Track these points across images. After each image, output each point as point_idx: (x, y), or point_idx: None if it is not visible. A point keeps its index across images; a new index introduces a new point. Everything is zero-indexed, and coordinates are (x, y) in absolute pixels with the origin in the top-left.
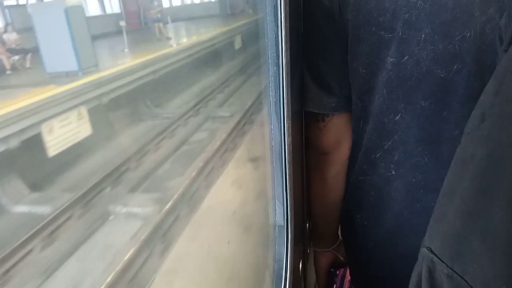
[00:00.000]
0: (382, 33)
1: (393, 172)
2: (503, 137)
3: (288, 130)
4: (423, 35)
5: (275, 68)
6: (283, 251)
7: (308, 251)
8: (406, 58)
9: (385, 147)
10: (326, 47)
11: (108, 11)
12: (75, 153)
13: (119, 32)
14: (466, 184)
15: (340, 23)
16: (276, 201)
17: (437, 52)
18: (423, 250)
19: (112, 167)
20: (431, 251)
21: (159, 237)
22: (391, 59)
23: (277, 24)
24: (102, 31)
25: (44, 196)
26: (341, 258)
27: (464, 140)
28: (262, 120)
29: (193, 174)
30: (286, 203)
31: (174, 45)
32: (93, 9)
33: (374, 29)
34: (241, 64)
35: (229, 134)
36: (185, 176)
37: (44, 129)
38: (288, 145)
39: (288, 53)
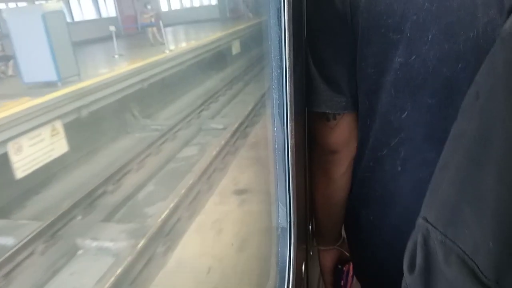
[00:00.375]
0: (391, 34)
1: (400, 169)
2: (493, 111)
3: (291, 132)
4: (430, 36)
5: (278, 71)
6: (286, 253)
7: (311, 252)
8: (413, 58)
9: (392, 144)
10: (337, 48)
11: (104, 15)
12: (47, 174)
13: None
14: (460, 156)
15: (351, 26)
16: (279, 203)
17: (443, 52)
18: (419, 220)
19: (87, 190)
20: (427, 221)
21: (129, 281)
22: (399, 59)
23: (281, 26)
24: (95, 35)
25: (7, 225)
26: (346, 254)
27: (459, 117)
28: (256, 133)
29: (176, 201)
30: (289, 205)
31: (167, 51)
32: (88, 13)
33: (383, 30)
34: (238, 70)
35: (220, 151)
36: (167, 201)
37: (11, 148)
38: (291, 146)
39: (292, 55)
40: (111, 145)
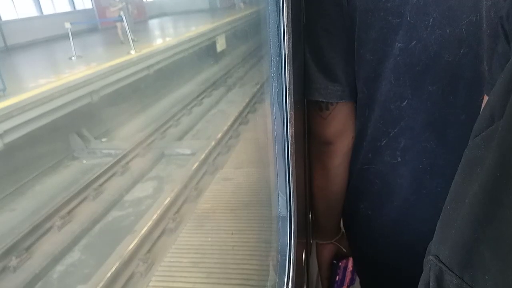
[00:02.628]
0: (390, 18)
1: (399, 159)
2: None
3: (290, 121)
4: (431, 20)
5: (277, 58)
6: (286, 241)
7: (311, 241)
8: (414, 43)
9: (391, 134)
10: (333, 34)
11: (80, 7)
12: None
13: (92, 31)
14: (476, 189)
15: (347, 10)
16: (279, 192)
17: (445, 37)
18: (430, 258)
19: None
20: (439, 260)
21: None
22: (399, 45)
23: (279, 13)
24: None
25: None
26: (343, 249)
27: (472, 143)
28: (233, 161)
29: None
30: (289, 194)
31: (132, 52)
32: (61, 6)
33: (382, 14)
34: (223, 71)
35: (181, 191)
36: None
37: None
38: (291, 135)
39: (291, 42)
40: (34, 187)
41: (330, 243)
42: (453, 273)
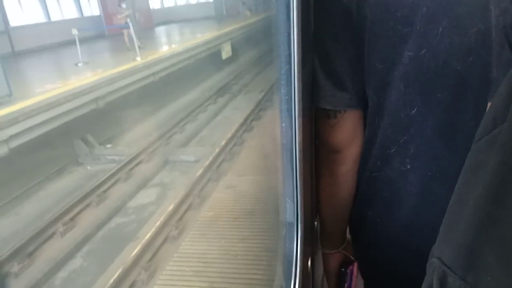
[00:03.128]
0: (400, 27)
1: (409, 166)
2: None
3: (299, 128)
4: (440, 28)
5: (287, 66)
6: (293, 247)
7: (317, 249)
8: (423, 51)
9: (401, 141)
10: (341, 43)
11: (87, 13)
12: None
13: (99, 37)
14: (479, 192)
15: (356, 19)
16: (287, 198)
17: (454, 45)
18: (433, 261)
19: None
20: (442, 262)
21: None
22: (409, 53)
23: (289, 21)
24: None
25: None
26: (351, 257)
27: (475, 146)
28: (237, 168)
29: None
30: (297, 200)
31: (138, 59)
32: (69, 12)
33: (392, 23)
34: (228, 79)
35: (184, 198)
36: None
37: None
38: (299, 142)
39: (300, 50)
40: (37, 193)
41: (337, 252)
42: (456, 275)
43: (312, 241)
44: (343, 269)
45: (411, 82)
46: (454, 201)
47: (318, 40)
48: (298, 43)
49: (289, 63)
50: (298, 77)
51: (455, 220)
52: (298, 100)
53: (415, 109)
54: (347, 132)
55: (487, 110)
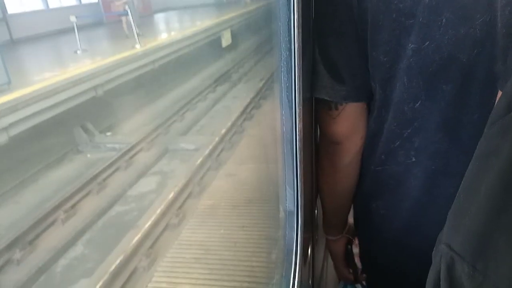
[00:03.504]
0: (403, 19)
1: (413, 159)
2: None
3: (299, 116)
4: (444, 20)
5: (287, 53)
6: (293, 235)
7: (317, 237)
8: (427, 43)
9: (405, 135)
10: (342, 35)
11: (85, 1)
12: None
13: (97, 24)
14: (492, 178)
15: (358, 12)
16: (287, 186)
17: (458, 37)
18: (442, 247)
19: None
20: (451, 248)
21: None
22: (412, 46)
23: (290, 7)
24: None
25: None
26: (351, 238)
27: (488, 131)
28: (237, 157)
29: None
30: (297, 188)
31: (138, 47)
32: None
33: (394, 15)
34: (227, 67)
35: (184, 187)
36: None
37: None
38: (299, 131)
39: (301, 37)
40: (33, 184)
41: (341, 237)
42: (465, 261)
43: (312, 230)
44: (349, 246)
45: (414, 75)
46: (465, 187)
47: (318, 31)
48: (298, 29)
49: (289, 50)
50: (298, 65)
51: (466, 206)
52: (299, 88)
53: (419, 103)
54: (349, 124)
55: (499, 96)
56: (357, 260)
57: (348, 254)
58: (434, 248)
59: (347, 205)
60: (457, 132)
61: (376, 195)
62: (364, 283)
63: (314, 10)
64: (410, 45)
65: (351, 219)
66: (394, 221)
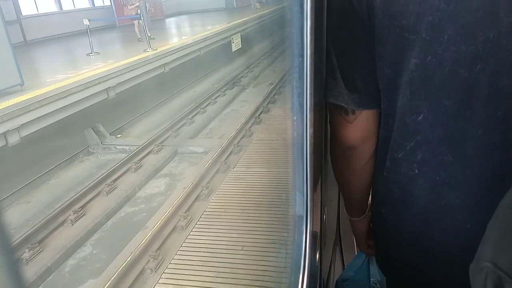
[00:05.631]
0: (406, 34)
1: (417, 171)
2: None
3: (310, 121)
4: (446, 36)
5: (300, 59)
6: (302, 240)
7: (325, 241)
8: (429, 58)
9: (408, 147)
10: (353, 46)
11: (99, 4)
12: None
13: (110, 28)
14: None
15: (368, 25)
16: (297, 191)
17: (460, 53)
18: (487, 265)
19: None
20: (498, 267)
21: None
22: (414, 60)
23: (303, 14)
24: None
25: None
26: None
27: None
28: (245, 160)
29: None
30: (307, 193)
31: (150, 50)
32: (81, 3)
33: (398, 31)
34: (237, 71)
35: (193, 189)
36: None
37: None
38: (310, 136)
39: (313, 44)
40: (45, 184)
41: (364, 217)
42: None
43: (321, 234)
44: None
45: (417, 88)
46: None
47: (331, 40)
48: (311, 36)
49: (302, 56)
50: (310, 70)
51: None
52: (310, 94)
53: (421, 116)
54: (365, 128)
55: None
56: None
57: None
58: (472, 264)
59: (366, 194)
60: (461, 146)
61: (385, 200)
62: None
63: (327, 21)
64: (412, 59)
65: None
66: (402, 227)
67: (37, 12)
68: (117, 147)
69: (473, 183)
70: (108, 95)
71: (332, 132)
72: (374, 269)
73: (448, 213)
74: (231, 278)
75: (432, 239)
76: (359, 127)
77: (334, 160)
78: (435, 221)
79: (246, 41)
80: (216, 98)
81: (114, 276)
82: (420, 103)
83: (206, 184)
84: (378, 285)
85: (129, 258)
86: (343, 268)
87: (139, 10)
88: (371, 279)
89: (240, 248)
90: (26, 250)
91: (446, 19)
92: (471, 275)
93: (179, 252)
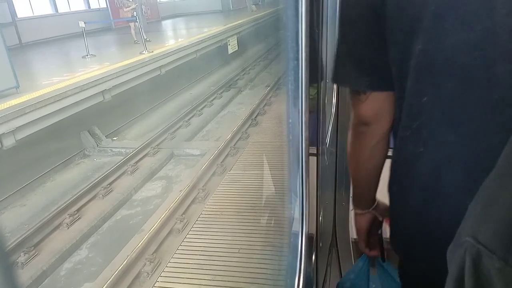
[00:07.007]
0: (412, 23)
1: (422, 149)
2: None
3: (306, 124)
4: (446, 25)
5: (295, 62)
6: (298, 242)
7: (320, 243)
8: (431, 45)
9: (414, 126)
10: (366, 33)
11: (94, 6)
12: None
13: (105, 30)
14: None
15: (380, 16)
16: (292, 194)
17: (459, 40)
18: (467, 240)
19: None
20: (477, 241)
21: None
22: (419, 46)
23: (298, 19)
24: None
25: None
26: (379, 217)
27: None
28: (241, 163)
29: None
30: (302, 196)
31: (145, 53)
32: (77, 5)
33: (405, 20)
34: (234, 73)
35: (189, 192)
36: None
37: None
38: (306, 138)
39: (308, 47)
40: (39, 188)
41: (367, 212)
42: (495, 255)
43: (317, 236)
44: (379, 232)
45: (422, 72)
46: (496, 175)
47: (343, 27)
48: (306, 40)
49: (297, 59)
50: (305, 73)
51: (498, 195)
52: (305, 97)
53: (425, 98)
54: (376, 107)
55: None
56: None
57: (373, 231)
58: (452, 243)
59: (373, 182)
60: (460, 127)
61: (394, 177)
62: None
63: (342, 12)
64: (417, 46)
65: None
66: (408, 204)
67: (32, 15)
68: (113, 149)
69: (471, 163)
70: (104, 98)
71: (351, 109)
72: (375, 276)
73: (449, 193)
74: (227, 281)
75: (434, 217)
76: (371, 105)
77: (349, 139)
78: (437, 198)
79: (242, 44)
80: (212, 100)
81: (110, 279)
82: (424, 86)
83: (203, 186)
84: None
85: (125, 262)
86: (340, 270)
87: (135, 12)
88: (372, 286)
89: (236, 251)
90: (22, 253)
91: (447, 10)
92: (448, 257)
93: (175, 255)
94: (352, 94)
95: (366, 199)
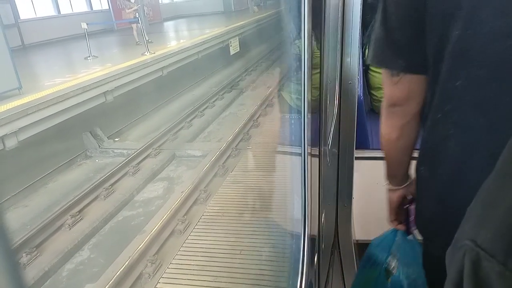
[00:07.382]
0: (452, 10)
1: (451, 131)
2: None
3: (308, 125)
4: (483, 14)
5: (297, 63)
6: (300, 244)
7: (322, 245)
8: (468, 32)
9: (445, 109)
10: (405, 19)
11: (96, 8)
12: None
13: (108, 31)
14: None
15: (420, 4)
16: (295, 195)
17: (494, 29)
18: (466, 243)
19: None
20: (476, 244)
21: None
22: (456, 32)
23: (302, 21)
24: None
25: None
26: (408, 196)
27: None
28: (243, 164)
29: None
30: (305, 197)
31: (147, 54)
32: (79, 6)
33: (445, 6)
34: (235, 74)
35: (192, 192)
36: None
37: None
38: (308, 139)
39: (311, 49)
40: (42, 189)
41: (399, 188)
42: (495, 259)
43: (319, 238)
44: (407, 206)
45: (457, 57)
46: (497, 176)
47: (385, 16)
48: (308, 41)
49: (300, 60)
50: (308, 74)
51: (498, 197)
52: (308, 98)
53: (458, 82)
54: (407, 89)
55: None
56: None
57: (403, 206)
58: (451, 246)
59: (405, 161)
60: (490, 112)
61: (422, 159)
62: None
63: (383, 3)
64: (455, 31)
65: None
66: (434, 185)
67: (35, 16)
68: (115, 150)
69: (497, 149)
70: (106, 99)
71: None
72: (399, 245)
73: (475, 175)
74: (229, 282)
75: (458, 199)
76: (403, 87)
77: (382, 119)
78: (462, 181)
79: (244, 45)
80: (214, 101)
81: (112, 280)
82: (459, 71)
83: (204, 187)
84: (393, 263)
85: (127, 263)
86: (342, 272)
87: (137, 14)
88: (389, 257)
89: (238, 252)
90: (24, 254)
91: (483, 1)
92: (447, 259)
93: (177, 257)
94: (386, 76)
95: (398, 177)
